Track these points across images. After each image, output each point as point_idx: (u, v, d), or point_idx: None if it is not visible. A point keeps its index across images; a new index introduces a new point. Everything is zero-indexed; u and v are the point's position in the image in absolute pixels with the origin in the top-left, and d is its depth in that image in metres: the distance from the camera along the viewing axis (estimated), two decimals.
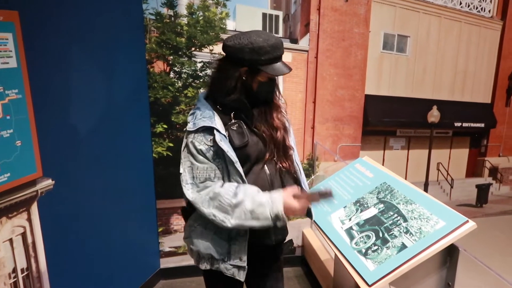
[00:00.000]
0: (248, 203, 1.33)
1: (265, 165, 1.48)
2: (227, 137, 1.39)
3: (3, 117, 1.61)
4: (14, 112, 1.66)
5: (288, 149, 1.54)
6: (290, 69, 1.40)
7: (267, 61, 1.37)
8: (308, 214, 1.58)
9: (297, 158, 1.61)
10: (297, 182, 1.56)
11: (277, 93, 1.55)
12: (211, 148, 1.38)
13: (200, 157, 1.38)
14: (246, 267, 1.45)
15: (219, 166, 1.40)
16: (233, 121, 1.43)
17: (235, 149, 1.39)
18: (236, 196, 1.34)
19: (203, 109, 1.43)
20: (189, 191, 1.40)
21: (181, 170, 1.43)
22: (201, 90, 2.80)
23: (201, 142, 1.37)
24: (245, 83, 1.42)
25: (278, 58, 1.39)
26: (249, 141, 1.42)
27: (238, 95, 1.41)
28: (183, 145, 1.45)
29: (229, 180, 1.40)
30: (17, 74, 1.67)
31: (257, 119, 1.48)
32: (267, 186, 1.45)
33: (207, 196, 1.37)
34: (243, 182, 1.39)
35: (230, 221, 1.34)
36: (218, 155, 1.38)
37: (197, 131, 1.38)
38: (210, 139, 1.37)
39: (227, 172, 1.40)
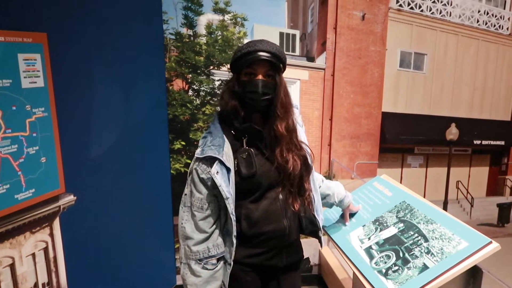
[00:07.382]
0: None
1: (280, 193, 1.43)
2: (236, 166, 1.36)
3: (30, 134, 1.66)
4: (40, 130, 1.71)
5: (304, 190, 1.48)
6: (270, 54, 1.30)
7: (243, 58, 1.32)
8: (316, 235, 1.59)
9: (315, 183, 1.56)
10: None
11: (279, 104, 1.38)
12: (212, 178, 1.34)
13: (200, 187, 1.38)
14: None
15: (218, 196, 1.38)
16: (244, 147, 1.38)
17: (244, 178, 1.36)
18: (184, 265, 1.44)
19: (215, 134, 1.39)
20: (184, 214, 1.44)
21: (185, 192, 1.46)
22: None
23: (204, 171, 1.36)
24: (236, 92, 1.37)
25: (254, 52, 1.30)
26: (259, 170, 1.36)
27: (238, 113, 1.37)
28: (189, 169, 1.45)
29: (224, 214, 1.41)
30: (44, 93, 1.72)
31: (271, 145, 1.40)
32: (279, 213, 1.43)
33: (181, 232, 1.44)
34: (228, 220, 1.39)
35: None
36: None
37: (204, 159, 1.35)
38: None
39: (223, 205, 1.38)
